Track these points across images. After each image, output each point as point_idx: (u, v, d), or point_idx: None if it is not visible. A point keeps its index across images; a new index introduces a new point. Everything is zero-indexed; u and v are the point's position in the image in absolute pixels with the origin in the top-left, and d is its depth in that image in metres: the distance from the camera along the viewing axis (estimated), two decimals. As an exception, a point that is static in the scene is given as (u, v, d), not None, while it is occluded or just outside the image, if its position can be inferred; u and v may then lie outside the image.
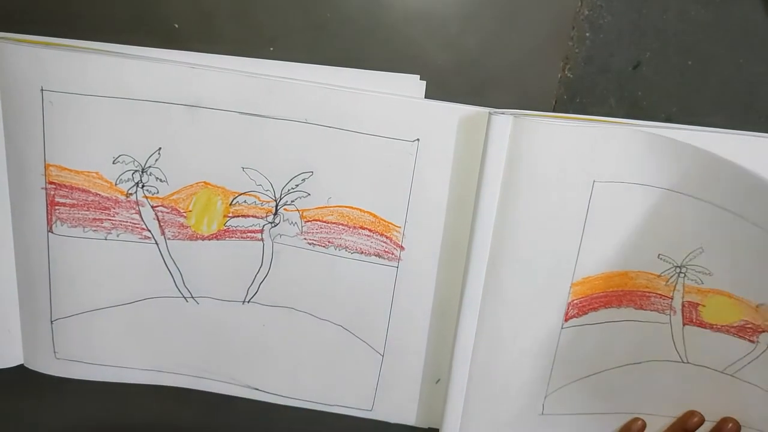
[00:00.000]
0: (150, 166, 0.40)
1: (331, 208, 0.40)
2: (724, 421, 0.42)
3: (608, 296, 0.40)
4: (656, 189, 0.37)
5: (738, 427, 0.41)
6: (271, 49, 0.39)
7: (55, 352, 0.44)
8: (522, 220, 0.38)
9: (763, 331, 0.39)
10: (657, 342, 0.41)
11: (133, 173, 0.40)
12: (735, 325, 0.40)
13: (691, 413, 0.42)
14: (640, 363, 0.41)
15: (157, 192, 0.40)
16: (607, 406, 0.42)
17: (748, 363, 0.40)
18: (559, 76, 0.39)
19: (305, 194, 0.40)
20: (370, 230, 0.40)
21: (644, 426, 0.42)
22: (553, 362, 0.41)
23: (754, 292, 0.39)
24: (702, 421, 0.41)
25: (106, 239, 0.41)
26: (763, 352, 0.40)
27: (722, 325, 0.40)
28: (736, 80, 0.38)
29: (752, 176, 0.35)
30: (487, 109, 0.37)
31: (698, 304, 0.40)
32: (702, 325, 0.40)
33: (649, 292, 0.40)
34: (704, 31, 0.38)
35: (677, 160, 0.36)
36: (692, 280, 0.39)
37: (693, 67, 0.38)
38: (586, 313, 0.40)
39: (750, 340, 0.40)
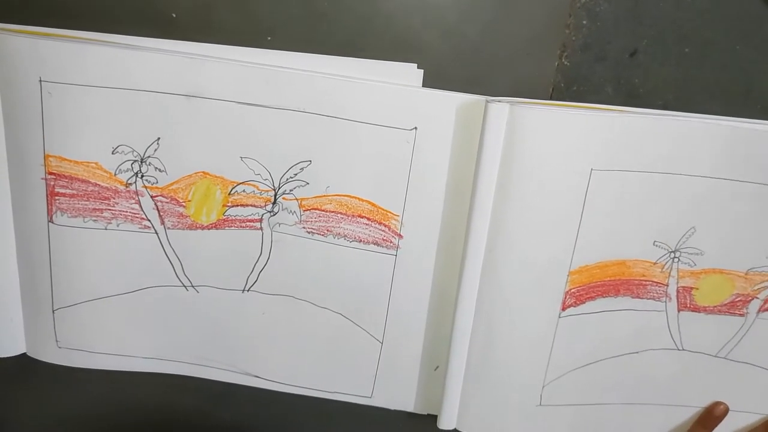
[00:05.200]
0: (149, 156, 0.40)
1: (330, 197, 0.40)
2: (715, 404, 0.42)
3: (605, 285, 0.40)
4: (652, 174, 0.37)
5: (727, 409, 0.42)
6: (269, 38, 0.39)
7: (57, 341, 0.44)
8: (519, 208, 0.38)
9: (752, 299, 0.40)
10: (653, 330, 0.41)
11: (133, 163, 0.40)
12: (726, 302, 0.40)
13: (716, 403, 0.42)
14: (637, 353, 0.41)
15: (157, 182, 0.40)
16: (605, 396, 0.43)
17: (739, 341, 0.41)
18: (556, 64, 0.39)
19: (304, 183, 0.40)
20: (368, 219, 0.41)
21: (727, 410, 0.42)
22: (550, 351, 0.41)
23: (743, 260, 0.39)
24: (727, 409, 0.42)
25: (106, 229, 0.41)
26: (752, 324, 0.41)
27: (714, 306, 0.41)
28: (732, 68, 0.39)
29: (737, 127, 0.35)
30: (484, 98, 0.37)
31: (692, 288, 0.40)
32: (696, 309, 0.41)
33: (646, 281, 0.40)
34: (701, 18, 0.38)
35: (672, 141, 0.36)
36: (685, 263, 0.40)
37: (690, 54, 0.38)
38: (584, 303, 0.40)
39: (740, 314, 0.41)
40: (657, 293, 0.40)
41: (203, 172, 0.40)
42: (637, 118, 0.36)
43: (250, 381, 0.45)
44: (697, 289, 0.40)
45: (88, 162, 0.40)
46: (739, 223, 0.38)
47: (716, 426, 0.43)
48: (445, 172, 0.39)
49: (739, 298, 0.40)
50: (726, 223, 0.38)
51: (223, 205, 0.41)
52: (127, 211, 0.41)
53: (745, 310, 0.41)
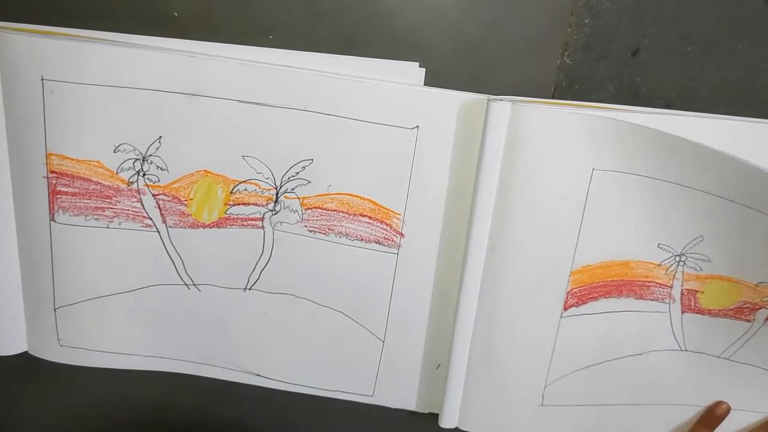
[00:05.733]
0: (151, 155, 0.40)
1: (331, 196, 0.40)
2: (717, 403, 0.42)
3: (608, 286, 0.40)
4: (655, 180, 0.37)
5: (728, 409, 0.42)
6: (271, 37, 0.39)
7: (58, 339, 0.44)
8: (520, 207, 0.38)
9: (760, 308, 0.40)
10: (656, 331, 0.41)
11: (134, 162, 0.40)
12: (732, 307, 0.40)
13: (718, 403, 0.42)
14: (640, 354, 0.41)
15: (158, 180, 0.40)
16: (607, 396, 0.43)
17: (744, 343, 0.41)
18: (558, 62, 0.39)
19: (305, 182, 0.40)
20: (370, 217, 0.41)
21: (729, 409, 0.42)
22: (552, 351, 0.41)
23: (753, 272, 0.39)
24: (729, 408, 0.42)
25: (107, 227, 0.41)
26: (758, 330, 0.40)
27: (720, 310, 0.40)
28: (735, 66, 0.38)
29: (749, 166, 0.35)
30: (486, 96, 0.37)
31: (697, 291, 0.40)
32: (700, 311, 0.40)
33: (649, 282, 0.40)
34: (703, 17, 0.38)
35: (675, 154, 0.36)
36: (691, 267, 0.39)
37: (692, 53, 0.38)
38: (586, 303, 0.40)
39: (746, 320, 0.40)
40: (660, 295, 0.40)
41: (205, 170, 0.40)
42: (637, 125, 0.36)
43: (251, 379, 0.45)
44: (703, 293, 0.40)
45: (90, 160, 0.40)
46: (750, 242, 0.38)
47: (718, 425, 0.43)
48: (447, 170, 0.39)
49: (746, 305, 0.40)
50: (736, 240, 0.38)
51: (225, 204, 0.41)
52: (128, 210, 0.41)
53: (752, 317, 0.40)
